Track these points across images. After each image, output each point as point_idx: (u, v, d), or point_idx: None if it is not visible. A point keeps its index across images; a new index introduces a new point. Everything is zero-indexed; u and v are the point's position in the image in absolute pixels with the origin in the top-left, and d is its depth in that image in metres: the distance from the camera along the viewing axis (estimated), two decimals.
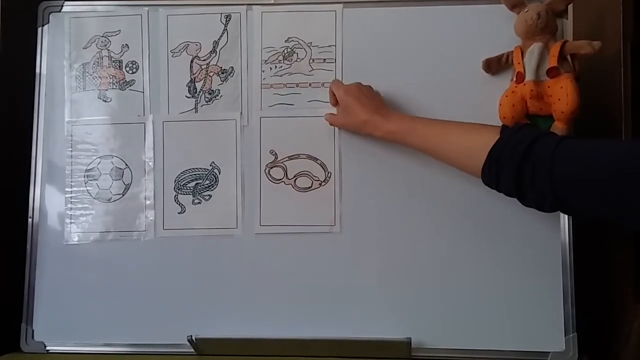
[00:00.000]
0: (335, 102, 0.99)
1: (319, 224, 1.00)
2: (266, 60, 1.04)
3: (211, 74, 1.04)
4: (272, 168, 1.02)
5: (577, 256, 0.97)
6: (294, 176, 1.02)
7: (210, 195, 1.03)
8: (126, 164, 1.05)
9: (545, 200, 0.73)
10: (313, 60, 1.03)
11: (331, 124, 1.00)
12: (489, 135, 0.79)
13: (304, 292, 1.00)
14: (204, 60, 1.05)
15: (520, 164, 0.73)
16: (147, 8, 1.06)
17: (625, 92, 0.99)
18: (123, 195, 1.04)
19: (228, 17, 1.05)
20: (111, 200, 1.04)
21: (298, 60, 1.03)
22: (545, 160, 0.71)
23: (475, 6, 1.01)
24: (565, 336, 0.95)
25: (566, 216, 0.97)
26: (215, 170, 1.03)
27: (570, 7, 0.99)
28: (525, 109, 0.94)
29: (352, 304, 0.99)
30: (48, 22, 1.07)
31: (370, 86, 0.98)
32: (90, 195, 1.04)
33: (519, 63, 0.95)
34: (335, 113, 1.00)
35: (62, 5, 1.07)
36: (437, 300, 0.98)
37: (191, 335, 0.97)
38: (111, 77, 1.06)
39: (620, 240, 1.01)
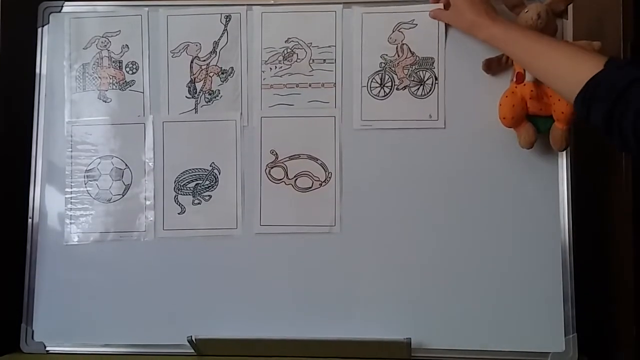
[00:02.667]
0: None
1: (319, 224, 1.00)
2: (266, 61, 1.04)
3: (211, 74, 1.04)
4: (272, 168, 1.02)
5: (577, 256, 0.97)
6: (295, 176, 1.02)
7: (210, 196, 1.03)
8: (126, 165, 1.04)
9: (629, 145, 0.70)
10: (313, 61, 1.03)
11: (434, 18, 0.98)
12: (592, 65, 0.75)
13: (303, 292, 1.00)
14: (204, 60, 1.05)
15: (613, 103, 0.70)
16: (147, 8, 1.06)
17: None
18: (123, 196, 1.04)
19: (228, 18, 1.05)
20: (111, 201, 1.04)
21: (298, 60, 1.03)
22: (637, 107, 0.68)
23: None
24: (565, 336, 0.95)
25: (566, 216, 0.97)
26: (215, 171, 1.03)
27: (570, 7, 0.99)
28: (525, 109, 0.94)
29: (352, 304, 0.99)
30: (48, 23, 1.07)
31: None
32: (90, 196, 1.04)
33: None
34: (442, 8, 0.97)
35: (62, 6, 1.07)
36: (437, 301, 0.98)
37: (191, 336, 0.97)
38: (111, 77, 1.06)
39: (621, 240, 1.00)
